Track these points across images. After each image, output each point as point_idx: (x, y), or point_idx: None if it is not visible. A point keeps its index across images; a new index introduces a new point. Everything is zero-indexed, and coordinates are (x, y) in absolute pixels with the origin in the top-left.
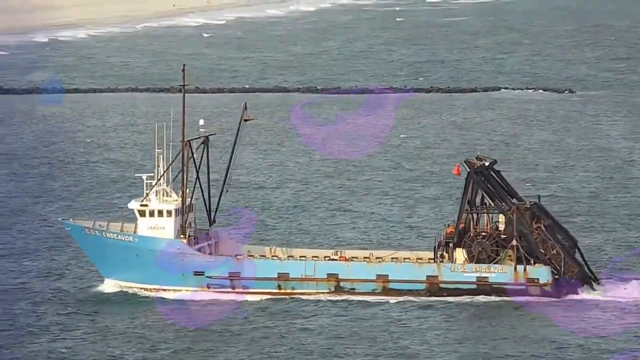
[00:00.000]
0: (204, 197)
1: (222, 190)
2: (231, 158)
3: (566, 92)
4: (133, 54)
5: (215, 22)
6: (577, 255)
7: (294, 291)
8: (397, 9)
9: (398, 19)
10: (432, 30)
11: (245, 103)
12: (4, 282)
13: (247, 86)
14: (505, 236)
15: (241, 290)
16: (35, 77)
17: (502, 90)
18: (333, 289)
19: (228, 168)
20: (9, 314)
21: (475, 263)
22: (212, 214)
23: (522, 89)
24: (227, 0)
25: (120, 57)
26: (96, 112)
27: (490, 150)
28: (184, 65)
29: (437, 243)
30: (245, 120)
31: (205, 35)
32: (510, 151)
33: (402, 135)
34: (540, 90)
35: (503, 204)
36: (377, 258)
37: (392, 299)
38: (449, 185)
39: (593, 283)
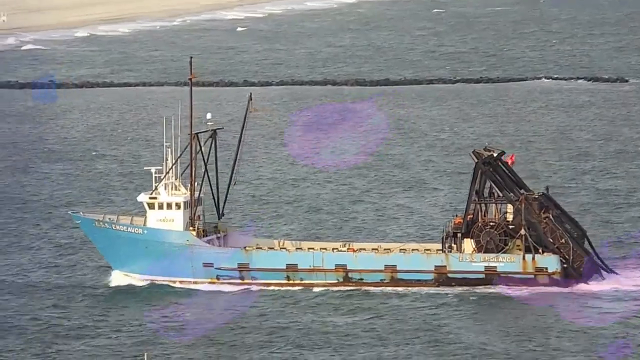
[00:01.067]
0: (212, 191)
1: (229, 183)
2: (238, 150)
3: (618, 81)
4: (175, 48)
5: (256, 15)
6: (587, 246)
7: (303, 282)
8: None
9: (436, 10)
10: (476, 21)
11: (251, 94)
12: (13, 275)
13: (294, 79)
14: (513, 226)
15: (250, 281)
16: (84, 72)
17: (550, 80)
18: (341, 280)
19: (235, 161)
20: (16, 308)
21: (484, 253)
22: (221, 207)
23: (571, 79)
24: None
25: (163, 52)
26: (144, 105)
27: (538, 141)
28: (190, 57)
29: (445, 234)
30: (251, 112)
31: (244, 28)
32: (560, 141)
33: (443, 128)
34: (591, 80)
35: (511, 194)
36: (385, 250)
37: (401, 290)
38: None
39: (603, 272)
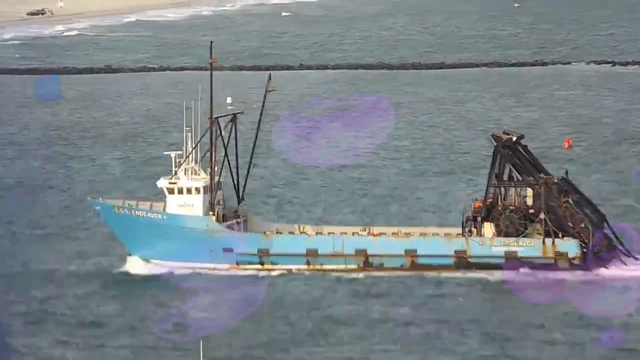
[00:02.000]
0: (232, 175)
1: (249, 166)
2: (257, 130)
3: None
4: (227, 33)
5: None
6: (607, 230)
7: (323, 267)
8: None
9: None
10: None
11: (270, 74)
12: (32, 262)
13: (350, 62)
14: (533, 210)
15: (270, 266)
16: (140, 57)
17: (605, 64)
18: (362, 265)
19: (254, 142)
20: (35, 295)
21: (504, 237)
22: (241, 191)
23: (628, 64)
24: None
25: (216, 37)
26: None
27: (594, 125)
28: (211, 42)
29: (465, 218)
30: (269, 92)
31: (288, 13)
32: (618, 125)
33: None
34: None
35: (531, 178)
36: (406, 234)
37: (422, 274)
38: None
39: (624, 257)
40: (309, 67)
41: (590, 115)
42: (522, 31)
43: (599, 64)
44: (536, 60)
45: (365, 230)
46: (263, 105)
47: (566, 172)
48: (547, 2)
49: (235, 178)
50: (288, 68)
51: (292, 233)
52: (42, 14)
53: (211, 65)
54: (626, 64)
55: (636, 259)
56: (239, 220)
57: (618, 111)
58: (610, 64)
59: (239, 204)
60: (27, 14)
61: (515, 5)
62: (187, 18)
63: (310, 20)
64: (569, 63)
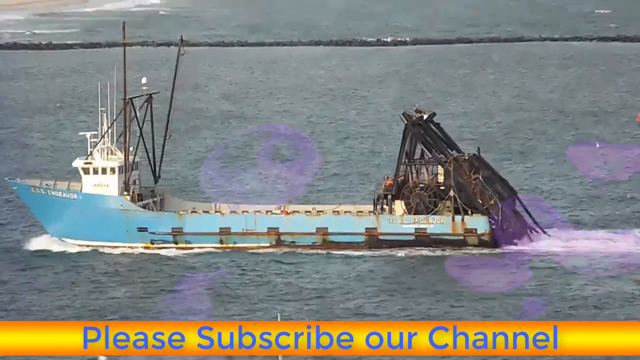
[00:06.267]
0: (148, 155)
1: (164, 139)
2: (171, 99)
3: None
4: (309, 10)
5: None
6: (518, 206)
7: (236, 245)
8: None
9: None
10: None
11: (182, 36)
12: None
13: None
14: (443, 188)
15: (184, 245)
16: (222, 32)
17: None
18: (274, 243)
19: (169, 114)
20: None
21: (414, 214)
22: (157, 169)
23: None
24: None
25: (296, 13)
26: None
27: None
28: (123, 22)
29: (376, 195)
30: (182, 55)
31: None
32: None
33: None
34: None
35: (441, 155)
36: (318, 212)
37: (334, 252)
38: None
39: (532, 234)
40: (385, 44)
41: None
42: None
43: None
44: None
45: (279, 208)
46: (176, 68)
47: (478, 149)
48: None
49: (151, 157)
50: (364, 44)
51: (207, 212)
52: None
53: (124, 45)
54: None
55: (545, 233)
56: (155, 199)
57: None
58: None
59: (155, 183)
60: None
61: None
62: None
63: None
64: None
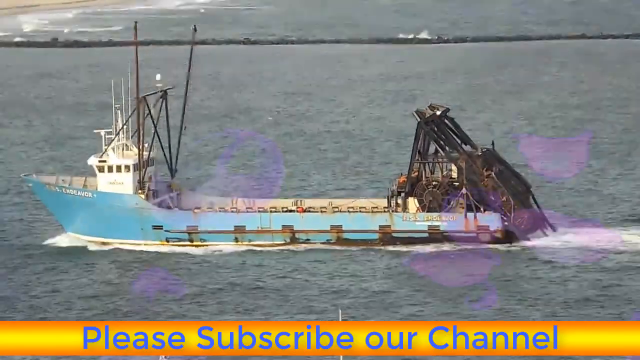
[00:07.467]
0: (164, 151)
1: (180, 132)
2: (186, 89)
3: None
4: (367, 8)
5: None
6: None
7: (251, 243)
8: None
9: None
10: None
11: (195, 26)
12: None
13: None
14: (457, 184)
15: (199, 243)
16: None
17: None
18: (289, 240)
19: (184, 106)
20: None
21: (427, 212)
22: (173, 164)
23: None
24: None
25: (356, 12)
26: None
27: None
28: (135, 22)
29: (390, 192)
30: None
31: None
32: None
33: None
34: None
35: (453, 152)
36: (333, 207)
37: (348, 249)
38: None
39: (546, 230)
40: (446, 41)
41: None
42: None
43: None
44: None
45: (295, 204)
46: (190, 58)
47: (492, 143)
48: None
49: (167, 153)
50: (426, 42)
51: (223, 208)
52: None
53: (136, 45)
54: None
55: (554, 229)
56: (172, 194)
57: None
58: None
59: (172, 177)
60: None
61: None
62: None
63: None
64: None
